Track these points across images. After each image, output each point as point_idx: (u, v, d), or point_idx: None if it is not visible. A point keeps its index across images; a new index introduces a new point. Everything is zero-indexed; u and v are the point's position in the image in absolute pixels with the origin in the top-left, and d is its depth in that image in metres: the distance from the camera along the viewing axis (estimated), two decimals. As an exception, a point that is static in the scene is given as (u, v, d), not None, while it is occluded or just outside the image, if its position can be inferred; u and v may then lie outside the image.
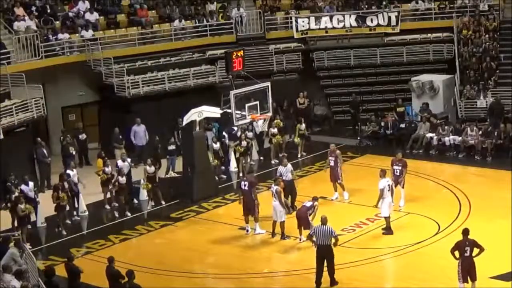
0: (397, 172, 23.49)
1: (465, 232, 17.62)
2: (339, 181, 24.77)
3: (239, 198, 23.17)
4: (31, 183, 24.42)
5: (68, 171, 25.15)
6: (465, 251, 17.32)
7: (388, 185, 21.92)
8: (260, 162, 29.81)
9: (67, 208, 24.19)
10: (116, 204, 25.36)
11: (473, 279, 17.41)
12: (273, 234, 22.25)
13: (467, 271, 17.34)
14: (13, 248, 18.26)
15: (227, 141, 28.85)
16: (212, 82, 32.13)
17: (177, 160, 28.42)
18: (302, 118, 30.76)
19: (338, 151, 25.18)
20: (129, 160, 26.38)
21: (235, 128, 28.61)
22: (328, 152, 25.16)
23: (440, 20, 35.37)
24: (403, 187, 23.82)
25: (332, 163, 24.75)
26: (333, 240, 18.88)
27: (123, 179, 25.02)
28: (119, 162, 25.90)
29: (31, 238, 22.80)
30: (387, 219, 21.98)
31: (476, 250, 17.38)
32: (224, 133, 29.19)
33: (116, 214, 24.95)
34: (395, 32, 35.14)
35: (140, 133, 29.66)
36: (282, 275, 20.29)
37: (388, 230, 21.98)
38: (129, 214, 25.01)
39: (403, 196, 23.84)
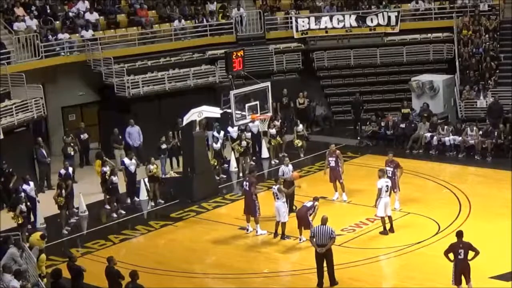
0: (389, 173, 23.13)
1: (459, 234, 17.60)
2: (341, 180, 24.73)
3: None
4: (31, 183, 24.39)
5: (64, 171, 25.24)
6: (459, 254, 17.31)
7: (386, 185, 21.88)
8: (261, 161, 29.83)
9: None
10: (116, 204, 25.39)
11: (467, 281, 17.40)
12: (275, 234, 22.23)
13: (461, 273, 17.33)
14: (13, 248, 18.28)
15: (220, 140, 28.63)
16: (212, 82, 32.11)
17: (167, 160, 28.37)
18: (298, 120, 30.76)
19: (338, 151, 25.16)
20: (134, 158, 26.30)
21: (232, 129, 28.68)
22: (328, 153, 25.11)
23: (440, 20, 35.35)
24: (395, 191, 23.28)
25: (332, 164, 24.70)
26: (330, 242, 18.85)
27: (116, 179, 24.98)
28: (126, 160, 25.84)
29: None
30: (382, 219, 21.96)
31: (471, 254, 17.34)
32: (216, 133, 28.90)
33: (115, 215, 24.93)
34: (395, 32, 35.15)
35: (134, 134, 29.58)
36: (282, 275, 20.30)
37: (383, 231, 21.97)
38: (123, 212, 25.01)
39: (397, 198, 23.61)
